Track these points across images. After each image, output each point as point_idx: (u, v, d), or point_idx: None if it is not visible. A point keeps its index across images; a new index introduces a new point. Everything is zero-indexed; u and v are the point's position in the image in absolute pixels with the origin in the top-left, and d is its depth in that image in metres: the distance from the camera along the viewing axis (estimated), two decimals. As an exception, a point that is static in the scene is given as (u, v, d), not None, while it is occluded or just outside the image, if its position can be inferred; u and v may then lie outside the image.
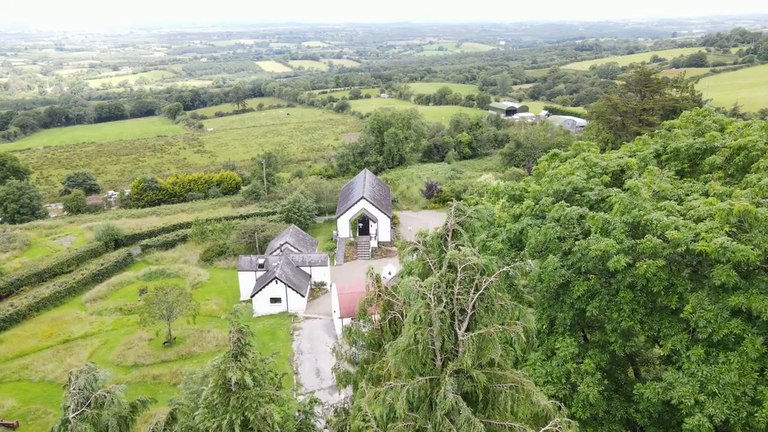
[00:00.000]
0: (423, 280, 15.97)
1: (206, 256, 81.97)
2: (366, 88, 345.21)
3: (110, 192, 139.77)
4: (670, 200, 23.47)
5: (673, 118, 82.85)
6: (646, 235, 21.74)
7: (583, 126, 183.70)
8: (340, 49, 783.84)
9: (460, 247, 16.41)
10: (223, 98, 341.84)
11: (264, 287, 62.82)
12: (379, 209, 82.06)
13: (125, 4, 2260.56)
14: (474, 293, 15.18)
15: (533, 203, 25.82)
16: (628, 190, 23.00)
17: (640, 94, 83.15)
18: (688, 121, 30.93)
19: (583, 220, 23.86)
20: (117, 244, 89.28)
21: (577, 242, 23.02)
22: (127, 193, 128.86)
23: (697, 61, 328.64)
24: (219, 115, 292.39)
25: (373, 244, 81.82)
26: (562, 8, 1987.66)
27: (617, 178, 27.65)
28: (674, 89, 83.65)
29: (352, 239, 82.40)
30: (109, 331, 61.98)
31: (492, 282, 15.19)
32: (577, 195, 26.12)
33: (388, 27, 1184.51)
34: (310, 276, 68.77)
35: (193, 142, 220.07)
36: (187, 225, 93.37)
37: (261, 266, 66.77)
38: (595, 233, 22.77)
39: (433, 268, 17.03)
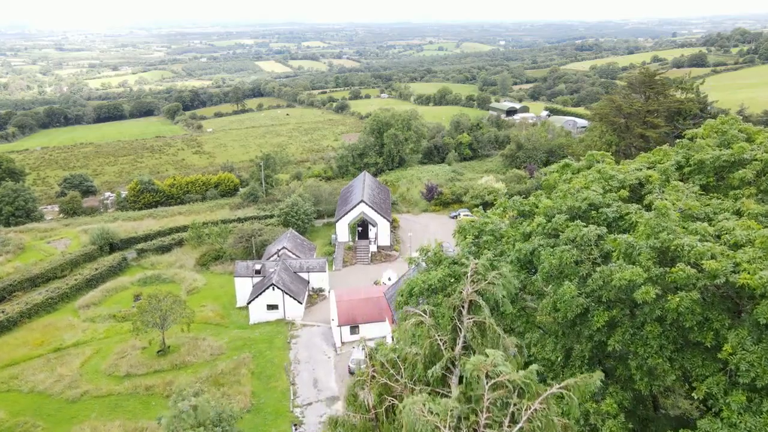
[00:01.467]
0: (429, 372, 11.91)
1: (202, 261, 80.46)
2: (366, 88, 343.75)
3: (107, 194, 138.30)
4: (699, 220, 21.24)
5: (678, 120, 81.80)
6: (678, 264, 19.48)
7: (584, 127, 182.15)
8: (340, 49, 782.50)
9: (487, 350, 12.15)
10: (223, 98, 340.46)
11: (261, 294, 61.30)
12: (378, 213, 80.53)
13: (125, 4, 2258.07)
14: (509, 425, 10.92)
15: (545, 221, 23.85)
16: (650, 207, 21.11)
17: (644, 95, 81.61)
18: (712, 130, 28.89)
19: (602, 242, 21.88)
20: (112, 248, 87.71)
21: (597, 268, 20.96)
22: (123, 195, 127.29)
23: (698, 61, 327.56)
24: (218, 115, 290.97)
25: (373, 248, 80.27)
26: (562, 8, 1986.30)
27: (635, 192, 25.62)
28: (679, 90, 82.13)
29: (351, 243, 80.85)
30: (102, 339, 60.46)
31: (536, 411, 11.09)
32: (592, 212, 24.05)
33: (388, 27, 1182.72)
34: (308, 282, 67.26)
35: (192, 143, 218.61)
36: (184, 228, 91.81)
37: (258, 272, 65.27)
38: (617, 258, 20.75)
39: (443, 348, 13.12)
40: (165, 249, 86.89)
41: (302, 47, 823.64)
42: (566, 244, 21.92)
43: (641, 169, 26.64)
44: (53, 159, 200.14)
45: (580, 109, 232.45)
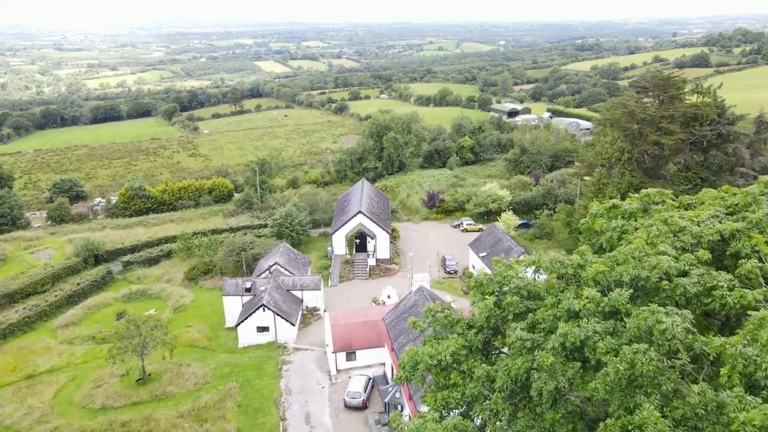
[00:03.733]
0: None
1: (191, 275, 75.98)
2: (365, 88, 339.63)
3: (98, 200, 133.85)
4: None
5: (694, 126, 77.50)
6: None
7: (588, 129, 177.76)
8: (340, 49, 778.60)
9: None
10: (221, 99, 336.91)
11: (250, 315, 56.88)
12: (377, 224, 76.06)
13: (125, 4, 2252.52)
14: None
15: (598, 295, 18.02)
16: (749, 278, 15.69)
17: (657, 99, 77.24)
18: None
19: (692, 337, 15.84)
20: (97, 260, 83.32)
21: (695, 387, 14.91)
22: (114, 202, 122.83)
23: (700, 62, 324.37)
24: (216, 116, 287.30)
25: (371, 262, 75.71)
26: (562, 8, 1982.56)
27: (715, 250, 20.36)
28: (695, 94, 77.76)
29: (348, 257, 76.23)
30: (79, 365, 56.03)
31: None
32: (664, 282, 18.33)
33: (388, 27, 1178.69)
34: (302, 300, 62.85)
35: (188, 145, 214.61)
36: (173, 239, 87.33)
37: (248, 290, 60.89)
38: (728, 378, 14.56)
39: None
40: (153, 261, 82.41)
41: (302, 47, 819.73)
42: (636, 338, 16.00)
43: (717, 216, 21.37)
44: (45, 162, 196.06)
45: (583, 110, 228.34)
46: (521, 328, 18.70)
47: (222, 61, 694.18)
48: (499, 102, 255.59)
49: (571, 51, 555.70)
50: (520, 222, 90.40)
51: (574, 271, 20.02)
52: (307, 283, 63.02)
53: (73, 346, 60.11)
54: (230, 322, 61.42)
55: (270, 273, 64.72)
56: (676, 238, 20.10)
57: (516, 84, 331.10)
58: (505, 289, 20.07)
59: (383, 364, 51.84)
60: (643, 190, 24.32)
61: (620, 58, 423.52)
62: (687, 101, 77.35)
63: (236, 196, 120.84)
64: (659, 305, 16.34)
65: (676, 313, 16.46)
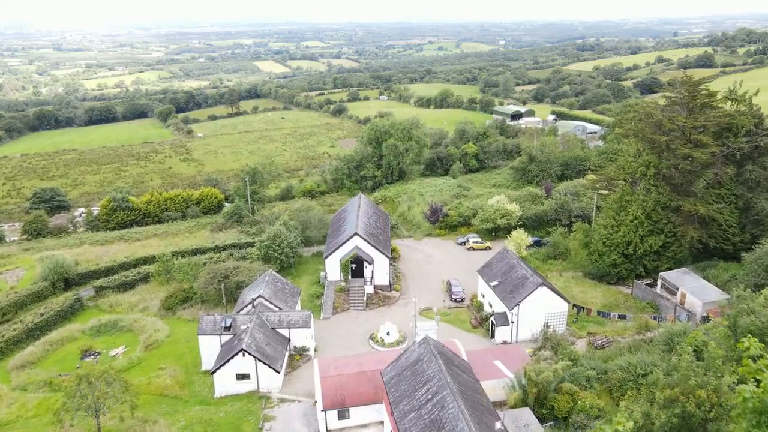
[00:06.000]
0: None
1: (168, 303, 68.12)
2: (365, 89, 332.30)
3: (80, 210, 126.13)
4: None
5: (727, 137, 70.18)
6: None
7: (594, 132, 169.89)
8: (339, 49, 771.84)
9: None
10: (218, 100, 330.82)
11: (228, 361, 49.21)
12: (375, 247, 68.22)
13: (125, 4, 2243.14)
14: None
15: None
16: None
17: (686, 108, 69.68)
18: None
19: None
20: (67, 284, 75.65)
21: None
22: (95, 213, 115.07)
23: (705, 62, 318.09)
24: (212, 118, 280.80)
25: (369, 289, 67.76)
26: (562, 8, 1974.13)
27: None
28: (729, 102, 70.23)
29: (342, 284, 68.28)
30: (30, 419, 48.40)
31: None
32: None
33: (388, 27, 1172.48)
34: (289, 340, 55.12)
35: (181, 150, 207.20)
36: (152, 259, 79.54)
37: (227, 329, 53.22)
38: None
39: None
40: (128, 286, 74.49)
41: (301, 47, 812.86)
42: None
43: None
44: (32, 167, 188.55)
45: (588, 113, 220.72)
46: None
47: (221, 61, 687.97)
48: (501, 104, 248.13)
49: (572, 51, 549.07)
50: (531, 240, 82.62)
51: None
52: (295, 320, 55.24)
53: (27, 393, 52.40)
54: (207, 364, 53.76)
55: (253, 307, 57.01)
56: None
57: (518, 85, 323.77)
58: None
59: (381, 423, 44.20)
60: None
61: (622, 58, 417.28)
62: (721, 110, 69.52)
63: (226, 207, 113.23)
64: None
65: None
